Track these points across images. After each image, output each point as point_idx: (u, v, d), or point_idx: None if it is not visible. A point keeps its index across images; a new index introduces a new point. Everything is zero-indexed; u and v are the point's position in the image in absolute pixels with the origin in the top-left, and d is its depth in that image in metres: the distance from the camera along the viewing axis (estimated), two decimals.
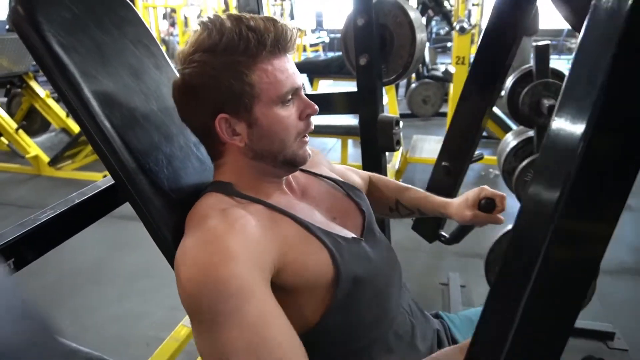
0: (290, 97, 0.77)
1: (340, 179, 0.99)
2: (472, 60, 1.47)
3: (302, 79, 0.80)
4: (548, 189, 0.38)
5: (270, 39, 0.73)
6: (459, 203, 1.04)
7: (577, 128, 0.35)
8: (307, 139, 0.82)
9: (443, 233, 1.48)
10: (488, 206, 0.97)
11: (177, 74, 1.02)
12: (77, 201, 0.86)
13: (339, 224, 0.85)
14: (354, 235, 0.84)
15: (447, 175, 1.42)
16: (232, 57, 0.73)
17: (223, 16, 0.74)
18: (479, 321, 0.46)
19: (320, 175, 0.96)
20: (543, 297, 0.39)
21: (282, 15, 8.71)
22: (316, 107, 0.80)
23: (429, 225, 1.62)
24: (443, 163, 1.41)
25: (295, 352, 0.65)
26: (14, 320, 0.18)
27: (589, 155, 0.34)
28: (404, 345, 0.85)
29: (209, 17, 0.74)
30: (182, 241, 0.72)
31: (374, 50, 1.48)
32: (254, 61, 0.74)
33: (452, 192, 1.46)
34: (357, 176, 1.14)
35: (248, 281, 0.63)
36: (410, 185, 1.16)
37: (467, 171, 1.52)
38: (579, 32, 0.37)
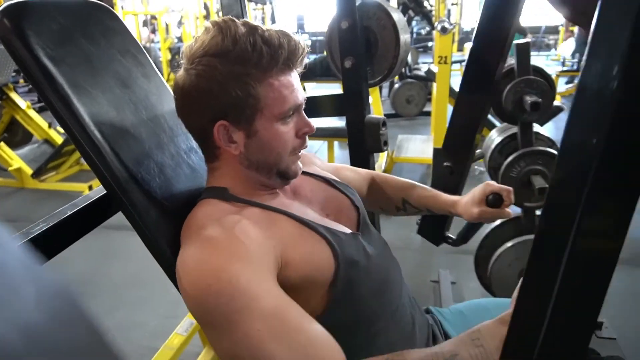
0: (291, 113, 0.78)
1: (332, 176, 1.00)
2: (462, 59, 1.49)
3: (304, 95, 0.80)
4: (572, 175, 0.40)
5: (283, 56, 0.73)
6: (466, 201, 1.03)
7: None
8: (300, 153, 0.84)
9: (450, 235, 1.48)
10: (495, 201, 0.97)
11: (166, 83, 1.03)
12: (69, 213, 0.86)
13: (333, 220, 0.86)
14: (350, 231, 0.85)
15: (451, 175, 1.42)
16: (242, 68, 0.72)
17: (238, 22, 0.73)
18: (518, 295, 0.48)
19: (312, 174, 0.97)
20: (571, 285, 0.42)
21: (263, 19, 8.71)
22: (314, 126, 0.81)
23: (434, 228, 1.62)
24: (445, 163, 1.40)
25: (319, 330, 0.66)
26: (41, 300, 0.19)
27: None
28: (405, 338, 0.86)
29: (223, 19, 0.74)
30: (181, 252, 0.72)
31: (359, 52, 1.50)
32: (264, 76, 0.74)
33: (456, 192, 1.46)
34: (353, 172, 1.15)
35: (256, 278, 0.64)
36: (417, 183, 1.15)
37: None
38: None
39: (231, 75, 0.72)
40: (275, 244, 0.72)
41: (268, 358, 0.60)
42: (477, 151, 1.43)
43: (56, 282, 0.20)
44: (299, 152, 0.83)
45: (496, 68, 1.34)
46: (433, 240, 1.64)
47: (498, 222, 2.00)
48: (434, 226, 1.62)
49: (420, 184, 1.15)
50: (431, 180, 1.55)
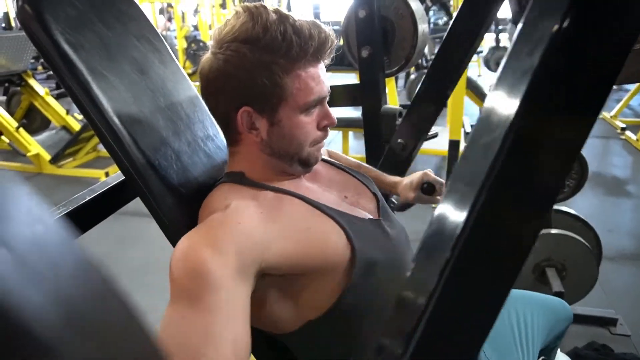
0: (315, 104, 0.78)
1: (346, 166, 1.00)
2: (480, 50, 1.45)
3: (329, 86, 0.80)
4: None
5: (313, 48, 0.73)
6: (405, 184, 1.13)
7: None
8: (322, 144, 0.84)
9: (393, 199, 1.55)
10: (429, 190, 1.10)
11: (183, 70, 1.03)
12: (87, 198, 0.87)
13: (352, 205, 0.86)
14: (371, 216, 0.85)
15: (402, 151, 1.49)
16: (271, 57, 0.72)
17: (269, 9, 0.73)
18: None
19: (329, 161, 0.97)
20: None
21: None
22: (335, 119, 0.81)
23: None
24: (399, 140, 1.47)
25: (234, 356, 0.60)
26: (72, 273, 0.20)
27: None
28: None
29: (254, 5, 0.73)
30: None
31: (376, 42, 1.48)
32: (292, 66, 0.73)
33: (404, 168, 1.50)
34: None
35: (220, 273, 0.63)
36: (361, 163, 1.19)
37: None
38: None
39: (259, 64, 0.72)
40: (280, 234, 0.71)
41: (168, 345, 0.60)
42: (431, 132, 1.50)
43: (90, 258, 0.21)
44: (320, 143, 0.83)
45: (464, 59, 1.35)
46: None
47: None
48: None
49: (365, 164, 1.20)
50: (383, 156, 1.55)
